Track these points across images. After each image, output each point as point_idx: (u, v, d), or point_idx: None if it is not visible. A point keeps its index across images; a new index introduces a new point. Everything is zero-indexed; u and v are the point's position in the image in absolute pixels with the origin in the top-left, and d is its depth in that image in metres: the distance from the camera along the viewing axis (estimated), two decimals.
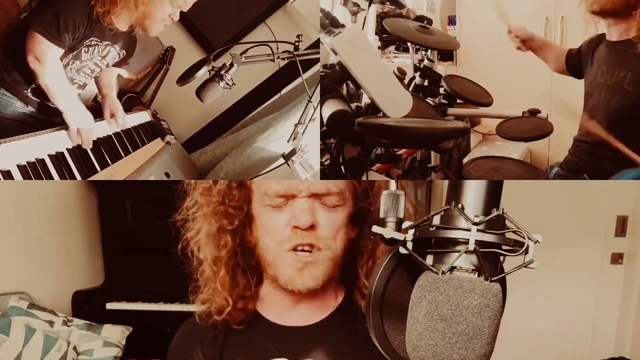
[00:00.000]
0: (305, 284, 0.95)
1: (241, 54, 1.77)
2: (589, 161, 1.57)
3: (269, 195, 0.95)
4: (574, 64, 1.66)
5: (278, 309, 1.02)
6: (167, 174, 2.21)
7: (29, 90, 1.83)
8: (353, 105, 1.35)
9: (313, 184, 0.95)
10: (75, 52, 1.80)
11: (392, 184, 0.73)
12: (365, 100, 1.43)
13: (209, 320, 1.02)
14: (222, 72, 1.74)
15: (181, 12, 1.89)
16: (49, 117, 1.90)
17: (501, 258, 0.66)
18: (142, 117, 2.35)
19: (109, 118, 2.07)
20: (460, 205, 0.65)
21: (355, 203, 0.99)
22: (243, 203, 0.99)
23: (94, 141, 1.84)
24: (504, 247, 0.63)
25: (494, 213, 0.63)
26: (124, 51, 2.00)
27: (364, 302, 0.72)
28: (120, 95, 2.23)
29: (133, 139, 2.17)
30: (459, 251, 0.63)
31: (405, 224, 0.68)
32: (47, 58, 1.69)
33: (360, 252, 1.00)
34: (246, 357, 0.99)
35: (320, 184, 0.95)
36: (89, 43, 1.81)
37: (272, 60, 1.80)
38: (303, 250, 0.94)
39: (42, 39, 1.66)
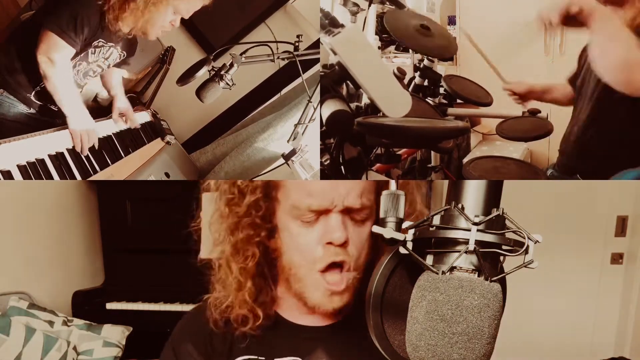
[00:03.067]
0: (335, 307, 0.93)
1: (241, 54, 1.77)
2: (578, 160, 1.57)
3: (300, 209, 0.91)
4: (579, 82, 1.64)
5: (294, 310, 1.01)
6: (167, 174, 2.21)
7: (32, 93, 1.83)
8: (353, 105, 1.35)
9: (349, 197, 0.90)
10: (83, 54, 1.81)
11: (392, 184, 0.73)
12: (365, 100, 1.43)
13: (227, 329, 1.00)
14: (222, 72, 1.74)
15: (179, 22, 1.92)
16: (50, 119, 1.90)
17: (501, 258, 0.66)
18: (142, 117, 2.36)
19: (117, 117, 2.10)
20: (460, 205, 0.65)
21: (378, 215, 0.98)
22: (269, 214, 0.97)
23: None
24: (504, 247, 0.63)
25: (494, 213, 0.63)
26: (124, 52, 2.01)
27: (365, 302, 0.72)
28: None
29: (133, 139, 2.17)
30: (459, 251, 0.63)
31: (405, 224, 0.68)
32: (59, 59, 1.69)
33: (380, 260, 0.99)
34: (257, 352, 0.99)
35: (355, 197, 0.91)
36: (97, 44, 1.82)
37: (272, 60, 1.80)
38: (334, 269, 0.91)
39: (58, 39, 1.67)
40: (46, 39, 1.67)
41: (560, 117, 2.00)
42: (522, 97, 1.79)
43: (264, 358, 0.98)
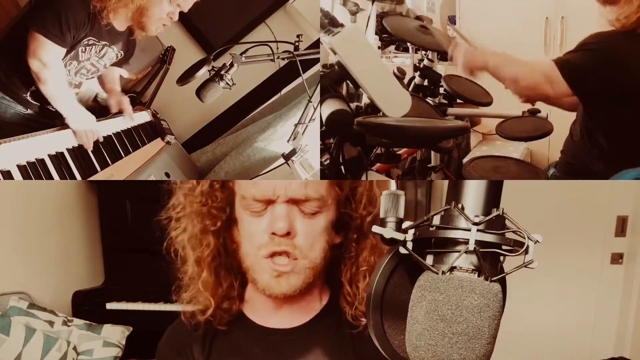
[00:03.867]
0: (282, 291, 0.95)
1: (241, 54, 1.77)
2: (580, 160, 1.56)
3: (247, 198, 0.94)
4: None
5: (262, 312, 1.03)
6: (167, 174, 2.21)
7: (27, 94, 1.82)
8: (353, 105, 1.35)
9: (291, 187, 0.93)
10: (73, 53, 1.80)
11: (392, 184, 0.73)
12: (365, 100, 1.43)
13: (193, 320, 1.02)
14: (222, 72, 1.74)
15: (181, 12, 1.89)
16: (48, 120, 1.89)
17: (501, 258, 0.66)
18: (142, 117, 2.35)
19: (115, 111, 2.08)
20: (460, 205, 0.65)
21: (338, 209, 0.98)
22: (226, 205, 0.99)
23: (93, 141, 1.84)
24: (504, 247, 0.63)
25: (494, 213, 0.63)
26: (122, 52, 2.00)
27: (365, 302, 0.72)
28: None
29: (133, 139, 2.17)
30: (459, 251, 0.63)
31: (405, 224, 0.68)
32: (50, 60, 1.67)
33: (344, 259, 0.99)
34: (231, 357, 1.00)
35: (299, 188, 0.93)
36: (87, 42, 1.80)
37: (272, 60, 1.80)
38: (280, 255, 0.93)
39: (45, 40, 1.64)
40: (33, 41, 1.65)
41: (560, 117, 2.00)
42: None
43: None
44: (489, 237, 0.62)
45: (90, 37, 1.79)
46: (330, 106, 1.18)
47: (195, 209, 1.00)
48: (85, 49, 1.83)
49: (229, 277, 1.02)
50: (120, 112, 2.14)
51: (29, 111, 1.86)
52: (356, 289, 0.97)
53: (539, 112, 1.88)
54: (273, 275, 0.94)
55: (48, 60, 1.67)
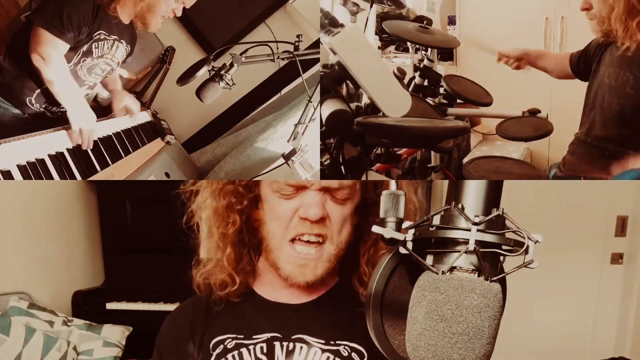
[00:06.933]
0: (306, 280, 0.96)
1: (241, 54, 1.77)
2: (589, 163, 1.57)
3: (280, 182, 0.96)
4: (582, 66, 1.65)
5: (271, 286, 1.04)
6: (167, 174, 2.21)
7: (33, 97, 1.81)
8: (353, 105, 1.35)
9: (325, 181, 0.95)
10: (85, 48, 1.78)
11: (392, 184, 0.73)
12: (365, 100, 1.43)
13: (211, 296, 1.03)
14: (222, 72, 1.74)
15: (182, 12, 1.89)
16: (45, 125, 1.88)
17: (501, 258, 0.66)
18: (142, 117, 2.35)
19: (122, 113, 2.07)
20: (460, 205, 0.65)
21: (363, 194, 1.00)
22: (253, 184, 1.01)
23: (94, 141, 1.83)
24: (504, 247, 0.63)
25: (494, 213, 0.63)
26: (129, 47, 1.99)
27: (365, 302, 0.72)
28: None
29: (133, 139, 2.17)
30: (459, 251, 0.63)
31: (405, 224, 0.68)
32: (51, 54, 1.66)
33: (364, 240, 1.01)
34: (238, 331, 1.00)
35: (333, 181, 0.95)
36: (98, 37, 1.79)
37: (272, 60, 1.80)
38: (309, 242, 0.95)
39: (46, 34, 1.63)
40: (35, 34, 1.64)
41: (560, 117, 2.00)
42: (517, 60, 1.80)
43: (242, 336, 0.99)
44: (489, 237, 0.62)
45: (100, 31, 1.78)
46: (330, 106, 1.18)
47: (222, 185, 1.01)
48: (98, 44, 1.81)
49: (249, 254, 1.03)
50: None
51: (27, 115, 1.85)
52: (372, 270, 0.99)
53: (539, 112, 1.88)
54: (298, 264, 0.95)
55: (49, 53, 1.65)
